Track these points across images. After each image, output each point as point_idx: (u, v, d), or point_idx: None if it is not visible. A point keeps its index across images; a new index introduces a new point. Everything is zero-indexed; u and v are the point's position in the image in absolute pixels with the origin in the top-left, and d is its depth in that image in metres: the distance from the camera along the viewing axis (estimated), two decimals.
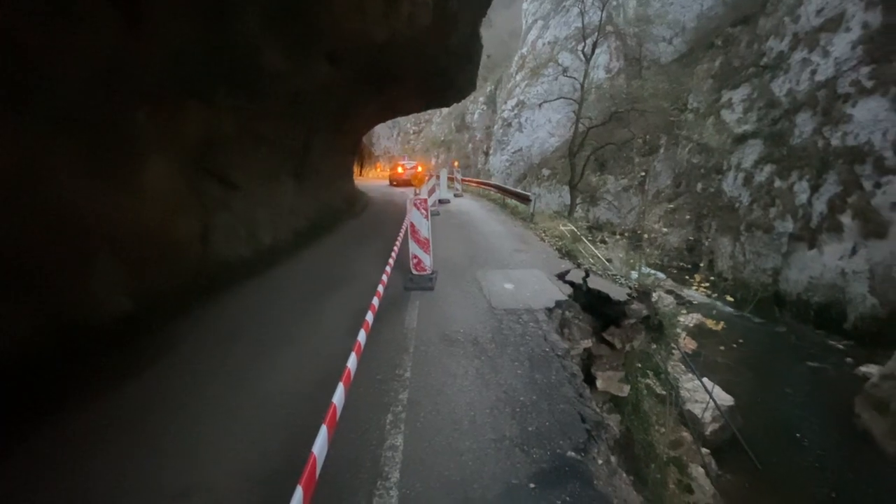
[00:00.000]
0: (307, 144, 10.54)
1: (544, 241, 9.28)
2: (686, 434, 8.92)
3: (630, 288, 5.69)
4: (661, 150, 21.69)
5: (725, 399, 8.90)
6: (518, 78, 35.05)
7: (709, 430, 8.56)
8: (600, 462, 2.68)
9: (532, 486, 2.41)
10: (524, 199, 13.15)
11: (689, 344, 10.81)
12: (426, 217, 6.02)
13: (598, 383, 5.24)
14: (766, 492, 7.51)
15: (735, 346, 10.62)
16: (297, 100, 8.77)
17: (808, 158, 13.98)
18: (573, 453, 2.67)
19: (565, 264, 7.13)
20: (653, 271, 14.37)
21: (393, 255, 5.68)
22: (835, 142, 13.28)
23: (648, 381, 6.63)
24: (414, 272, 6.17)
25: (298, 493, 1.50)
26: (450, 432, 2.93)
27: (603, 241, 11.55)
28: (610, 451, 3.05)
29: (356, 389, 3.33)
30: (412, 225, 6.02)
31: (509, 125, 34.09)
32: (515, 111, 33.75)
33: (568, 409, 3.15)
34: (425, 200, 6.02)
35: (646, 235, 16.27)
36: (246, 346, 4.34)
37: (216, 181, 7.24)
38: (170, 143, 5.91)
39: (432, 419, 3.08)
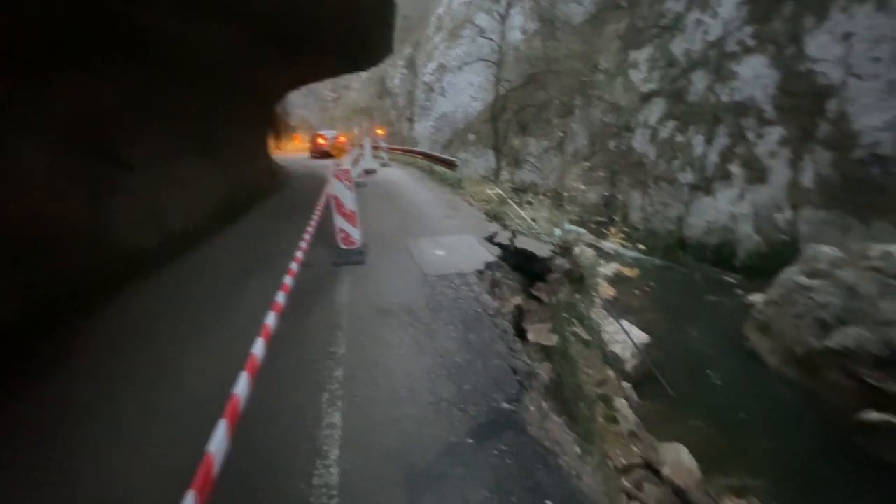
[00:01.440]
0: (211, 116, 9.54)
1: (473, 205, 9.40)
2: (610, 372, 9.82)
3: (553, 245, 5.97)
4: (577, 111, 22.63)
5: (642, 337, 9.87)
6: (437, 40, 34.21)
7: (629, 366, 9.50)
8: (532, 409, 2.85)
9: (470, 440, 2.50)
10: (451, 165, 13.15)
11: (608, 291, 11.75)
12: (350, 189, 5.78)
13: (530, 336, 5.53)
14: (680, 413, 8.56)
15: (647, 289, 11.74)
16: (194, 67, 7.82)
17: (702, 114, 15.35)
18: (507, 404, 2.81)
19: (493, 227, 7.30)
20: (575, 227, 15.28)
21: (309, 230, 5.40)
22: (724, 98, 14.66)
23: (575, 328, 7.14)
24: (342, 247, 5.97)
25: (190, 497, 1.36)
26: (388, 402, 2.93)
27: (529, 203, 11.98)
28: (541, 398, 3.25)
29: (287, 374, 3.20)
30: (336, 198, 5.76)
31: (431, 90, 33.47)
32: (436, 75, 33.12)
33: (501, 364, 3.28)
34: (348, 171, 5.76)
35: (566, 194, 17.14)
36: (152, 350, 3.95)
37: (104, 161, 6.34)
38: (40, 121, 5.02)
39: (370, 392, 3.06)
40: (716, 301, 11.59)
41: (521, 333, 5.62)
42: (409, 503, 2.18)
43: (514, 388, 2.99)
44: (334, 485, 2.29)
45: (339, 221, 5.86)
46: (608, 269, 12.97)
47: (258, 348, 2.31)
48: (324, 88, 49.84)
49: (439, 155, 16.13)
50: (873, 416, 7.39)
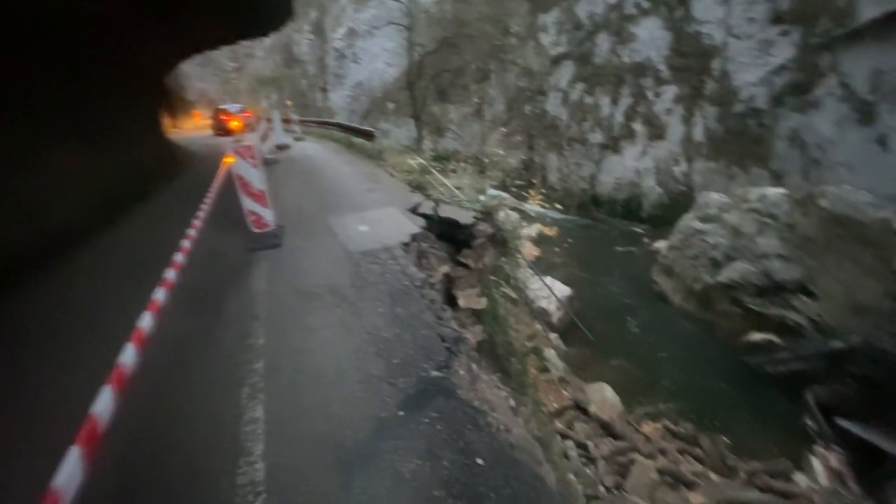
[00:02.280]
0: (85, 99, 8.20)
1: (395, 177, 9.19)
2: (539, 326, 10.47)
3: (476, 211, 6.04)
4: (493, 77, 22.77)
5: (565, 290, 10.52)
6: (344, 2, 32.15)
7: (555, 318, 10.15)
8: (462, 373, 2.90)
9: (401, 413, 2.49)
10: (369, 136, 12.67)
11: (532, 251, 12.32)
12: (256, 166, 5.32)
13: (461, 302, 5.62)
14: (602, 355, 9.35)
15: (567, 245, 12.48)
16: (54, 46, 6.58)
17: (607, 76, 16.17)
18: (437, 372, 2.83)
19: (417, 198, 7.20)
20: (498, 192, 15.67)
21: (199, 215, 4.90)
22: (625, 59, 15.52)
23: (503, 289, 7.41)
24: (255, 230, 5.54)
25: None
26: (315, 388, 2.82)
27: (452, 171, 11.97)
28: (471, 361, 3.31)
29: (200, 376, 2.94)
30: (240, 178, 5.28)
31: (343, 56, 31.69)
32: (347, 41, 31.33)
33: (429, 334, 3.29)
34: (251, 147, 5.27)
35: (486, 160, 17.42)
36: (24, 374, 3.40)
37: None
38: None
39: (295, 379, 2.91)
40: (627, 251, 12.66)
41: (451, 301, 5.70)
42: (341, 485, 2.13)
43: (443, 355, 3.02)
44: (260, 481, 2.17)
45: (248, 203, 5.41)
46: (531, 230, 13.55)
47: (128, 356, 2.06)
48: (222, 58, 45.10)
49: (357, 126, 15.46)
50: (756, 336, 8.63)
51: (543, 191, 16.62)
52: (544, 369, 9.09)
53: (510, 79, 21.41)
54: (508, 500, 2.01)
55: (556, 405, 8.21)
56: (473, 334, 5.42)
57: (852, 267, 8.10)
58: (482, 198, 7.89)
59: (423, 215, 6.03)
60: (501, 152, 18.41)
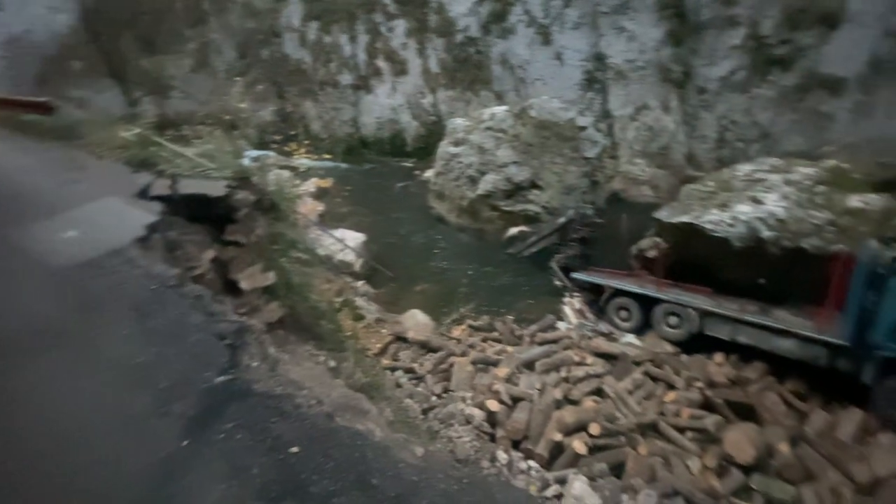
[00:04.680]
0: None
1: (105, 158, 7.08)
2: (347, 278, 10.43)
3: (228, 179, 5.22)
4: (212, 18, 19.23)
5: (358, 237, 10.59)
6: None
7: (357, 266, 10.25)
8: (256, 364, 2.58)
9: (186, 443, 2.06)
10: (46, 110, 9.24)
11: (315, 207, 11.81)
12: None
13: (242, 285, 4.97)
14: (406, 285, 10.00)
15: (347, 193, 12.39)
16: None
17: (339, 12, 15.58)
18: (222, 377, 2.43)
19: (145, 178, 5.74)
20: (261, 153, 14.06)
21: None
22: None
23: (293, 255, 6.91)
24: None
25: None
26: (54, 460, 2.07)
27: (194, 137, 9.98)
28: (267, 345, 2.99)
29: None
30: None
31: None
32: None
33: (202, 337, 2.77)
34: None
35: (231, 118, 15.24)
36: None
37: None
38: None
39: (19, 466, 2.07)
40: (404, 186, 13.40)
41: (231, 287, 4.97)
42: None
43: (225, 355, 2.60)
44: None
45: None
46: (308, 185, 12.84)
47: None
48: None
49: (24, 98, 11.03)
50: (513, 230, 10.57)
51: (307, 142, 15.71)
52: (359, 317, 9.25)
53: (233, 20, 18.50)
54: (333, 472, 1.95)
55: (378, 346, 8.59)
56: (269, 313, 4.94)
57: (560, 159, 10.54)
58: (244, 162, 6.91)
59: (159, 198, 4.88)
60: (246, 106, 16.29)
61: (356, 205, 11.99)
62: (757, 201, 7.28)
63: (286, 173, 12.87)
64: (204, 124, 13.30)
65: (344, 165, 14.45)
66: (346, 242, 9.83)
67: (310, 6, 16.18)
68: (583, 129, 10.67)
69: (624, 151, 11.36)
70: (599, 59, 11.69)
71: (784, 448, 5.17)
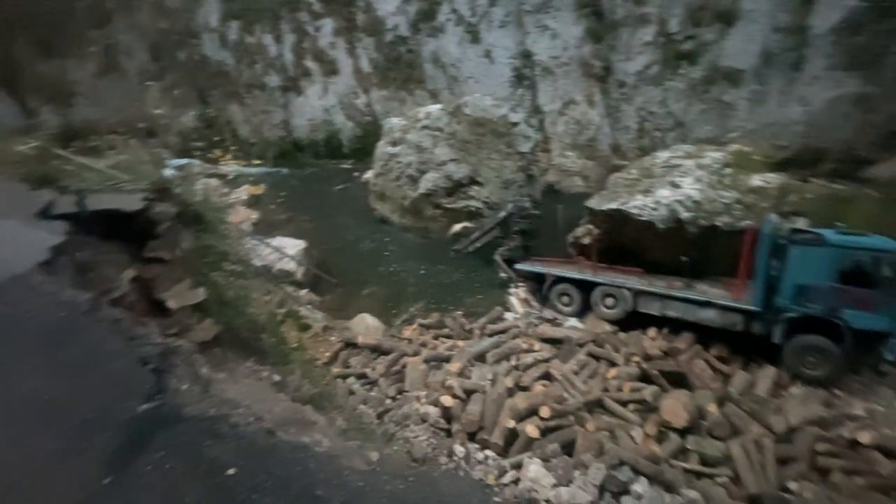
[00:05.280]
0: None
1: None
2: (289, 288, 10.01)
3: (144, 191, 4.82)
4: (118, 18, 17.60)
5: (298, 244, 10.20)
6: None
7: (299, 275, 9.87)
8: (186, 386, 2.41)
9: (107, 481, 1.89)
10: None
11: (249, 215, 11.24)
12: None
13: (170, 304, 4.63)
14: (353, 290, 9.78)
15: (284, 198, 11.90)
16: None
17: (261, 11, 14.88)
18: (147, 404, 2.25)
19: (46, 196, 5.17)
20: (185, 161, 13.12)
21: None
22: None
23: (229, 266, 6.51)
24: None
25: None
26: None
27: (111, 147, 9.11)
28: (199, 365, 2.81)
29: None
30: None
31: None
32: None
33: (122, 364, 2.54)
34: None
35: (147, 125, 14.10)
36: None
37: None
38: None
39: None
40: (343, 188, 13.09)
41: (157, 307, 4.62)
42: None
43: (149, 381, 2.40)
44: None
45: None
46: (240, 193, 12.20)
47: None
48: None
49: None
50: (457, 227, 10.68)
51: (235, 147, 14.88)
52: (305, 327, 8.92)
53: (143, 19, 17.08)
54: (274, 489, 1.87)
55: (328, 354, 8.35)
56: (202, 332, 4.63)
57: (496, 155, 10.80)
58: (165, 172, 6.43)
59: (63, 216, 4.41)
60: (163, 112, 15.12)
61: (294, 211, 11.54)
62: (675, 185, 7.90)
63: (214, 182, 12.14)
64: (117, 133, 12.23)
65: (277, 170, 13.84)
66: (285, 251, 9.45)
67: (228, 5, 15.33)
68: (515, 124, 10.99)
69: (555, 145, 11.86)
70: (527, 56, 12.10)
71: (713, 409, 5.65)
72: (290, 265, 9.59)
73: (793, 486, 4.83)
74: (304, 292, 9.58)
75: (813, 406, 5.81)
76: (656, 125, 11.01)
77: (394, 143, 11.23)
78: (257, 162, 14.18)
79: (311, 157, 14.86)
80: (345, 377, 7.42)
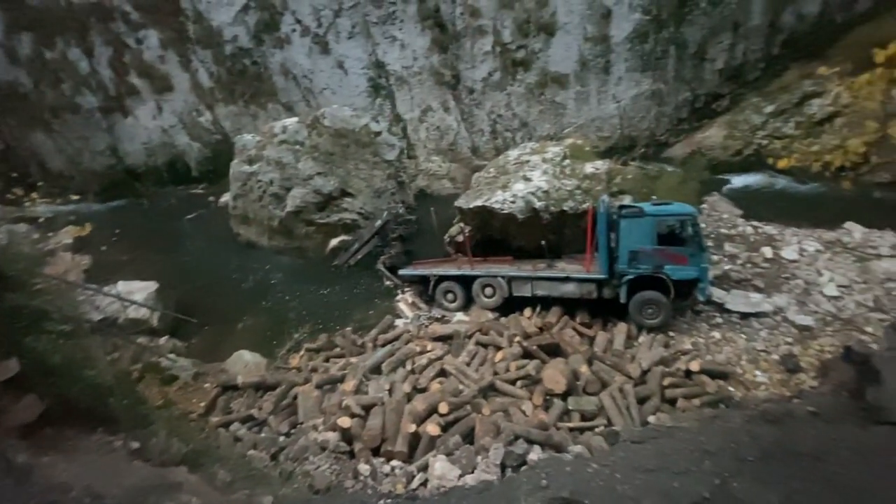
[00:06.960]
0: None
1: None
2: (142, 339, 8.57)
3: None
4: None
5: (148, 287, 8.84)
6: None
7: (155, 321, 8.54)
8: None
9: None
10: None
11: (79, 262, 9.42)
12: None
13: None
14: (225, 326, 8.80)
15: (119, 237, 10.20)
16: None
17: (61, 21, 12.49)
18: None
19: None
20: None
21: None
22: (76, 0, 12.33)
23: (52, 327, 5.35)
24: None
25: None
26: None
27: None
28: (14, 453, 2.27)
29: None
30: None
31: None
32: None
33: None
34: None
35: None
36: None
37: None
38: None
39: None
40: (197, 216, 11.71)
41: None
42: None
43: None
44: None
45: None
46: (61, 236, 10.12)
47: None
48: None
49: None
50: (334, 242, 10.35)
51: (43, 183, 12.28)
52: (171, 379, 7.75)
53: None
54: None
55: (203, 404, 7.37)
56: (22, 412, 3.78)
57: (364, 165, 10.75)
58: None
59: None
60: None
61: (137, 249, 9.94)
62: (527, 179, 8.81)
63: (21, 227, 9.88)
64: None
65: (106, 205, 11.74)
66: (131, 297, 8.14)
67: (13, 14, 12.52)
68: (378, 133, 11.07)
69: (420, 151, 12.30)
70: (380, 66, 12.31)
71: (584, 370, 6.42)
72: (140, 312, 8.28)
73: (651, 419, 5.74)
74: (163, 340, 8.36)
75: (656, 349, 6.98)
76: (505, 126, 12.15)
77: (250, 162, 10.43)
78: (75, 198, 11.89)
79: (151, 185, 12.97)
80: (227, 424, 6.68)
